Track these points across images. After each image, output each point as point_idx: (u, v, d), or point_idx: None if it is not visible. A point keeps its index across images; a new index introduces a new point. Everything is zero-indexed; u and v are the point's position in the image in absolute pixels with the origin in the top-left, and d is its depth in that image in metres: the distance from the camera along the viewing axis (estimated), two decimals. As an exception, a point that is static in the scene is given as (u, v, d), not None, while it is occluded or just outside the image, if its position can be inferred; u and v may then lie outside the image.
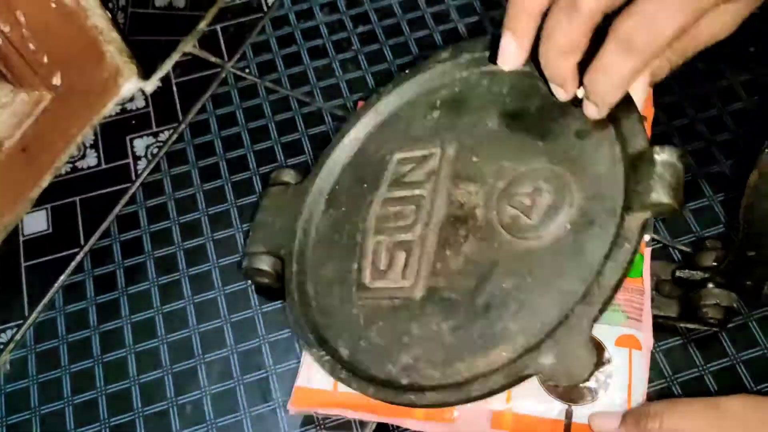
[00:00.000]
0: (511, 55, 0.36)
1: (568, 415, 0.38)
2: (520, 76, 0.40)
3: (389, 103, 0.45)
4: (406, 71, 0.45)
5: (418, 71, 0.44)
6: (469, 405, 0.37)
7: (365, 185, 0.43)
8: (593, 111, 0.35)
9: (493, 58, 0.39)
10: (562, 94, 0.36)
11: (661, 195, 0.32)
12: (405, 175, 0.42)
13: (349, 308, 0.39)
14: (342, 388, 0.40)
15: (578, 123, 0.37)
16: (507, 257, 0.36)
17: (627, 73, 0.32)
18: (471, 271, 0.37)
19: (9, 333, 0.48)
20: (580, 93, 0.36)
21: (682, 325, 0.43)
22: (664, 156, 0.32)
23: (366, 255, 0.40)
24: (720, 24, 0.34)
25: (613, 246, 0.33)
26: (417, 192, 0.40)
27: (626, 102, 0.35)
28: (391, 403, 0.36)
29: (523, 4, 0.33)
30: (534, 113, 0.39)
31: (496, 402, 0.38)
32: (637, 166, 0.33)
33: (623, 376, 0.39)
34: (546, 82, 0.36)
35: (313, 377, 0.41)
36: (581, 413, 0.38)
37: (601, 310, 0.32)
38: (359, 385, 0.37)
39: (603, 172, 0.35)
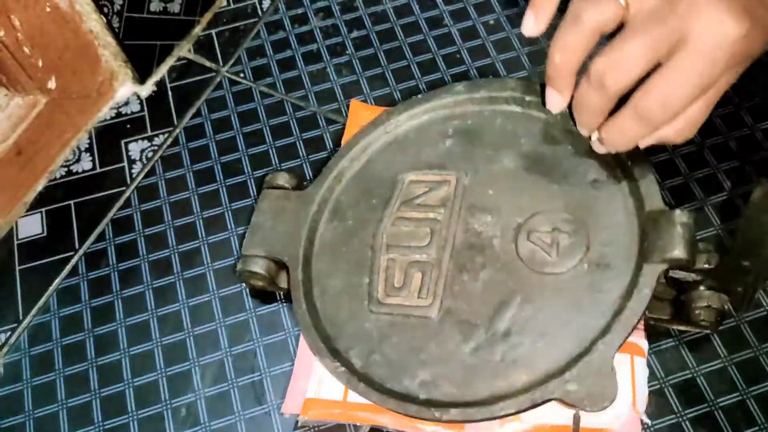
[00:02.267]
0: (556, 102, 0.40)
1: (576, 420, 0.39)
2: (534, 120, 0.43)
3: (399, 124, 0.47)
4: (419, 96, 0.47)
5: (431, 98, 0.46)
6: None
7: (374, 201, 0.44)
8: (602, 150, 0.39)
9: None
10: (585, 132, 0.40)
11: (682, 252, 0.36)
12: (418, 197, 0.43)
13: (361, 321, 0.41)
14: (352, 398, 0.41)
15: (593, 173, 0.41)
16: (525, 288, 0.39)
17: (640, 136, 0.36)
18: (489, 297, 0.39)
19: (3, 336, 0.48)
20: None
21: (674, 327, 0.43)
22: (682, 218, 0.37)
23: (378, 271, 0.42)
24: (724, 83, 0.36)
25: (632, 289, 0.37)
26: (431, 215, 0.42)
27: (640, 160, 0.39)
28: (414, 417, 0.37)
29: (558, 69, 0.38)
30: (550, 158, 0.42)
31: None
32: (657, 223, 0.38)
33: (626, 382, 0.40)
34: (563, 130, 0.42)
35: (322, 388, 0.41)
36: (589, 418, 0.39)
37: (620, 345, 0.36)
38: (379, 398, 0.38)
39: (618, 222, 0.39)
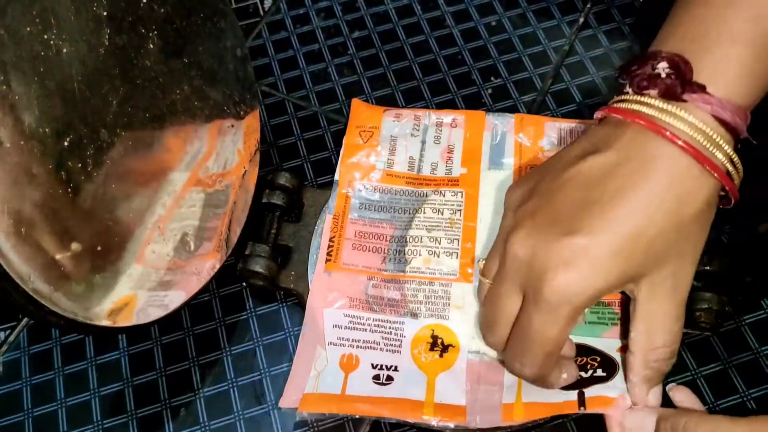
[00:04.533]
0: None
1: (581, 392, 0.38)
2: None
3: None
4: None
5: None
6: (479, 402, 0.39)
7: None
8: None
9: None
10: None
11: None
12: None
13: None
14: (351, 391, 0.40)
15: None
16: None
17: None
18: None
19: (2, 335, 0.48)
20: None
21: (674, 328, 0.43)
22: None
23: None
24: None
25: None
26: None
27: None
28: None
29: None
30: None
31: (507, 396, 0.39)
32: None
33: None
34: None
35: (320, 383, 0.41)
36: (593, 389, 0.39)
37: None
38: None
39: None
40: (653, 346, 0.35)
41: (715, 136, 0.33)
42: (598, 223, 0.33)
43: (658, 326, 0.35)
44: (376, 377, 0.41)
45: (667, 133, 0.33)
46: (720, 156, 0.33)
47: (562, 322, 0.34)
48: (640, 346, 0.35)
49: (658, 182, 0.33)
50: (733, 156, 0.34)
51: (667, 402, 0.40)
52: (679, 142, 0.33)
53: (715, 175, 0.33)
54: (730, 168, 0.34)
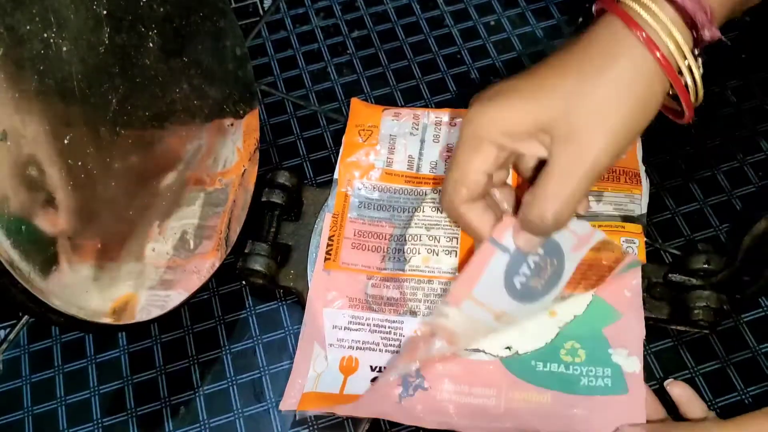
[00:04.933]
0: None
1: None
2: None
3: None
4: None
5: None
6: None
7: None
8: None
9: None
10: None
11: None
12: None
13: None
14: (348, 389, 0.40)
15: None
16: None
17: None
18: None
19: (2, 333, 0.48)
20: None
21: (672, 327, 0.43)
22: None
23: None
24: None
25: None
26: None
27: None
28: None
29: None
30: None
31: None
32: None
33: None
34: None
35: (320, 383, 0.41)
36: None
37: None
38: None
39: None
40: (539, 197, 0.35)
41: (653, 7, 0.33)
42: (527, 76, 0.36)
43: (551, 183, 0.35)
44: (375, 379, 0.41)
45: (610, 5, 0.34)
46: (656, 26, 0.33)
47: (470, 149, 0.36)
48: (534, 192, 0.36)
49: (586, 40, 0.35)
50: (680, 39, 0.33)
51: (664, 399, 0.41)
52: (616, 11, 0.34)
53: (641, 37, 0.33)
54: (677, 56, 0.34)
